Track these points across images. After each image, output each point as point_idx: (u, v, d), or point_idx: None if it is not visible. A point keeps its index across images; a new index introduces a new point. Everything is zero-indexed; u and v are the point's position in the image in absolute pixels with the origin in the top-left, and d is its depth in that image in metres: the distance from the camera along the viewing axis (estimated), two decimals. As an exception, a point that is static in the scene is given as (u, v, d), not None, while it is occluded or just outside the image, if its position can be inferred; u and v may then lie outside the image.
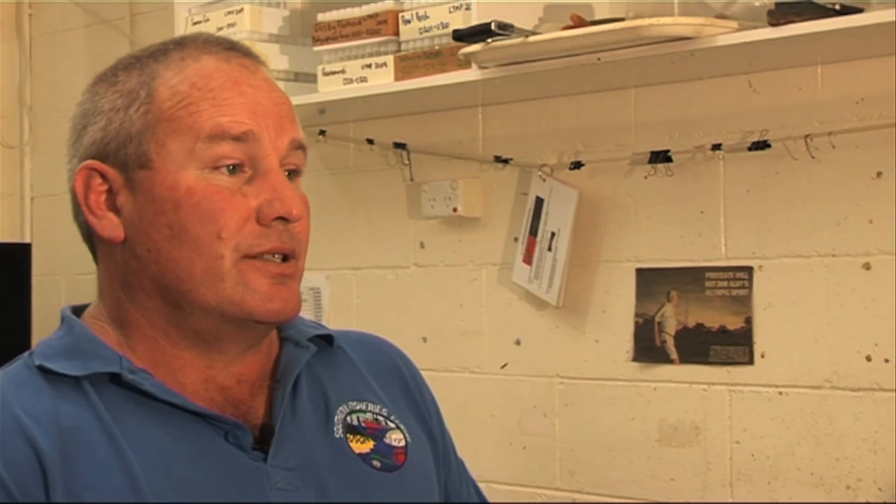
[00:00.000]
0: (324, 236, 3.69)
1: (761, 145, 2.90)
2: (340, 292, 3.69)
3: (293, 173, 1.53)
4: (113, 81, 1.53)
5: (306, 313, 3.68)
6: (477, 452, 3.38)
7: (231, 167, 1.48)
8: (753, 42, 2.63)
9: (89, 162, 1.51)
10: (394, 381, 1.70)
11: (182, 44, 1.54)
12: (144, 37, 4.16)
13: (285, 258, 1.50)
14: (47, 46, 4.65)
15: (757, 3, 2.67)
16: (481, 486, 3.38)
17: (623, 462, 3.18)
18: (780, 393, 2.92)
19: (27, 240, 4.56)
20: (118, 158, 1.50)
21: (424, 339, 3.49)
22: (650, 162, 3.07)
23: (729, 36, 2.64)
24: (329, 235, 3.66)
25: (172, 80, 1.50)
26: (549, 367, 3.31)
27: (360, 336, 1.75)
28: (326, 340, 1.64)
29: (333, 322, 3.70)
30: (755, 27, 2.63)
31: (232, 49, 1.54)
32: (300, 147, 1.54)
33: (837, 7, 2.54)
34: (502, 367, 3.38)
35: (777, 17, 2.59)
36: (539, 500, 3.31)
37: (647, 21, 2.67)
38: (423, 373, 1.75)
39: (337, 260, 3.66)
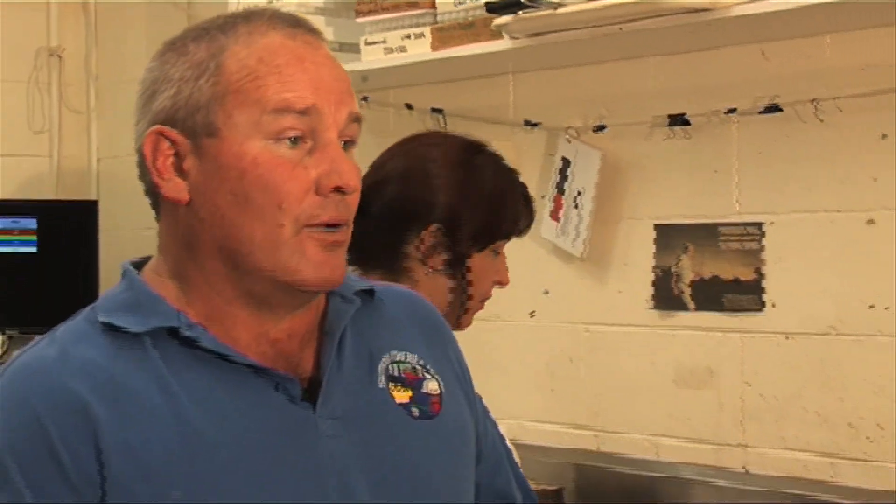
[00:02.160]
0: (366, 194, 3.70)
1: (772, 109, 2.89)
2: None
3: (348, 143, 1.51)
4: (183, 52, 1.50)
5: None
6: (508, 394, 3.40)
7: (293, 139, 1.46)
8: (765, 13, 2.62)
9: (158, 127, 1.48)
10: (431, 334, 1.68)
11: (249, 18, 1.50)
12: (201, 10, 4.16)
13: (336, 227, 1.49)
14: (111, 20, 4.67)
15: (769, -24, 2.67)
16: (512, 424, 3.42)
17: (643, 403, 3.19)
18: (789, 339, 2.93)
19: (94, 198, 4.59)
20: (186, 125, 1.47)
21: (459, 289, 3.49)
22: (668, 125, 3.07)
23: (742, 7, 2.63)
24: (371, 194, 3.67)
25: (240, 53, 1.47)
26: (575, 315, 3.32)
27: (398, 291, 1.74)
28: (368, 293, 1.63)
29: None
30: (767, -1, 2.62)
31: (297, 26, 1.51)
32: (357, 119, 1.51)
33: (844, -21, 2.53)
34: (531, 315, 3.39)
35: (788, -12, 2.58)
36: (566, 437, 3.32)
37: (666, -7, 2.67)
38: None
39: (378, 216, 3.67)
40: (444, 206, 2.27)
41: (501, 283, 2.38)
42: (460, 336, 2.24)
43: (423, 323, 1.69)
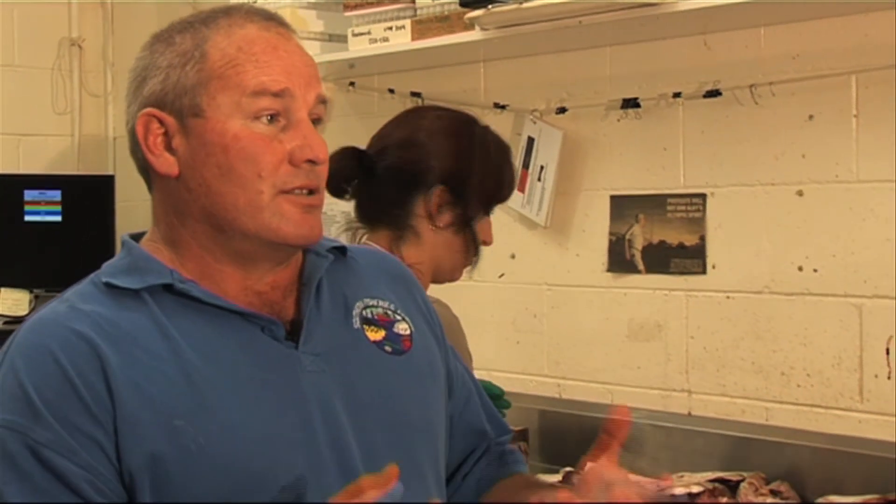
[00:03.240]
0: (354, 169, 3.69)
1: (714, 93, 2.89)
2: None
3: (316, 122, 1.53)
4: (170, 42, 1.51)
5: (339, 230, 3.67)
6: (479, 347, 3.38)
7: (269, 117, 1.48)
8: (708, 7, 2.62)
9: (149, 109, 1.50)
10: (399, 284, 1.69)
11: (228, 13, 1.52)
12: (205, 5, 4.13)
13: (311, 192, 1.50)
14: (126, 14, 4.65)
15: (711, -25, 2.66)
16: (483, 373, 3.41)
17: (598, 354, 3.19)
18: (728, 297, 2.93)
19: (111, 172, 4.57)
20: (174, 107, 1.49)
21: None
22: (622, 107, 3.06)
23: (688, 2, 2.63)
24: (358, 168, 3.66)
25: (222, 43, 1.49)
26: (539, 276, 3.31)
27: (368, 249, 1.77)
28: (341, 251, 1.64)
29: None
30: (710, -5, 2.62)
31: (270, 19, 1.53)
32: (323, 101, 1.53)
33: (778, -22, 2.52)
34: (500, 276, 3.39)
35: (728, -14, 2.57)
36: (530, 384, 3.33)
37: (620, -10, 2.66)
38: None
39: (365, 189, 3.67)
40: (450, 171, 2.29)
41: (487, 242, 2.39)
42: (441, 294, 2.28)
43: (390, 273, 1.71)
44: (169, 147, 1.50)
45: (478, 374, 3.41)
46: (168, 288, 1.49)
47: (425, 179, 2.28)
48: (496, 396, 2.77)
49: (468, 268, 2.38)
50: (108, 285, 1.49)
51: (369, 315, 1.60)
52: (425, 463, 1.58)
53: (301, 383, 1.48)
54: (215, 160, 1.47)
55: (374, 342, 1.58)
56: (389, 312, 1.63)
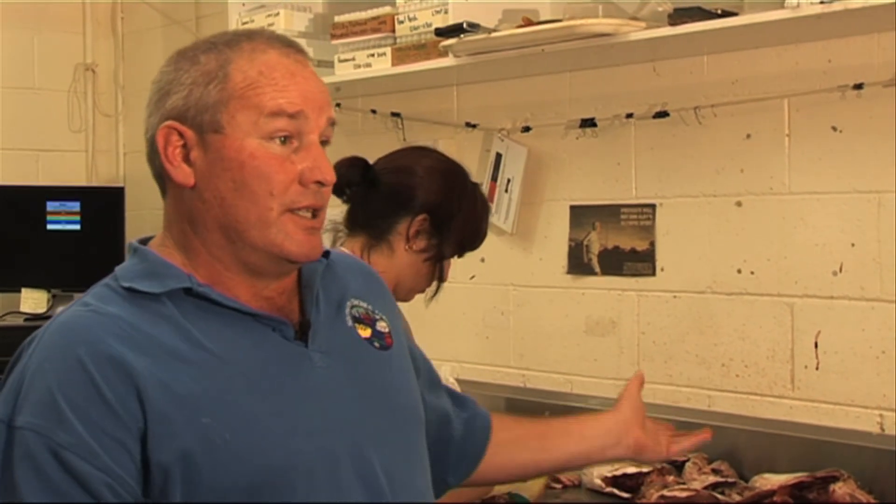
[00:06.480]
0: (340, 182, 3.67)
1: (662, 114, 2.89)
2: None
3: (324, 143, 1.50)
4: (195, 61, 1.47)
5: (326, 240, 3.67)
6: (452, 341, 3.39)
7: (283, 139, 1.44)
8: (657, 38, 2.61)
9: (170, 122, 1.46)
10: (371, 284, 1.69)
11: (251, 37, 1.48)
12: (207, 33, 4.11)
13: (315, 213, 1.48)
14: (135, 42, 4.62)
15: (660, 9, 2.66)
16: (455, 365, 3.40)
17: (559, 347, 3.18)
18: (675, 296, 2.93)
19: (121, 184, 4.53)
20: (195, 122, 1.45)
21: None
22: (581, 126, 3.05)
23: (639, 33, 2.62)
24: (344, 181, 3.64)
25: (244, 66, 1.45)
26: (506, 278, 3.30)
27: (339, 253, 1.73)
28: (325, 256, 1.62)
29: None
30: (659, 26, 2.61)
31: (289, 46, 1.50)
32: (333, 123, 1.51)
33: (719, 11, 2.52)
34: (471, 278, 3.38)
35: (675, 18, 2.57)
36: (497, 375, 3.32)
37: (578, 21, 2.65)
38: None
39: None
40: (437, 205, 2.28)
41: (444, 279, 2.39)
42: (418, 296, 2.29)
43: (362, 273, 1.70)
44: (187, 159, 1.46)
45: (450, 366, 3.41)
46: (187, 291, 1.45)
47: (415, 204, 2.27)
48: None
49: (426, 297, 2.36)
50: (130, 290, 1.45)
51: (357, 314, 1.59)
52: (419, 442, 1.59)
53: (314, 378, 1.47)
54: (231, 175, 1.44)
55: (365, 339, 1.57)
56: (370, 312, 1.61)
